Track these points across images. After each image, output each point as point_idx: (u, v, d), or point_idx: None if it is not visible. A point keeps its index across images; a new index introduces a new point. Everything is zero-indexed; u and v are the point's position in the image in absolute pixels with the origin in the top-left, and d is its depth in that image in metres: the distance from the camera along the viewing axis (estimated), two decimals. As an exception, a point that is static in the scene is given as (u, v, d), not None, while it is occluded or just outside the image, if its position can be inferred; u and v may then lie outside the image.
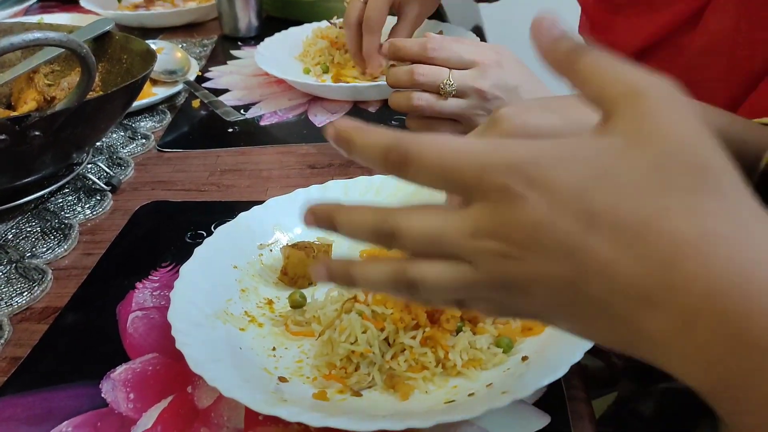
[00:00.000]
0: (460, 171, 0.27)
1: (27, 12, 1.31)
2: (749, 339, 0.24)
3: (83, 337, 0.52)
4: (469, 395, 0.44)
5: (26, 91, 0.77)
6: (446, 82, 0.64)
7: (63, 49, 0.64)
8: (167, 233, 0.65)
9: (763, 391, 0.24)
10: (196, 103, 0.93)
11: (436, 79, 0.65)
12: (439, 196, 0.33)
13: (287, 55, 1.03)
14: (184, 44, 1.17)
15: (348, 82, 0.93)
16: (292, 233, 0.59)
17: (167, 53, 0.99)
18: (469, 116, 0.66)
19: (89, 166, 0.75)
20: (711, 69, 0.68)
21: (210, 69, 1.06)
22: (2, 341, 0.52)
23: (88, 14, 1.22)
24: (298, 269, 0.55)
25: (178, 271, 0.52)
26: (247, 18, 1.18)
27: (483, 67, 0.65)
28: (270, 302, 0.54)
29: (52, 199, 0.70)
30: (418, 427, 0.39)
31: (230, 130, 0.86)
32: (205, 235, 0.60)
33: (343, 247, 0.57)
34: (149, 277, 0.58)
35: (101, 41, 0.80)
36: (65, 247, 0.63)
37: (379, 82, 0.88)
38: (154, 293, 0.56)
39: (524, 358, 0.46)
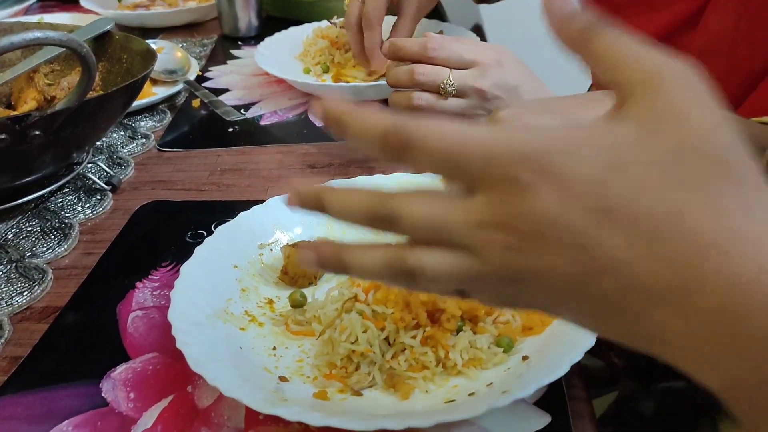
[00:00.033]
0: (467, 158, 0.26)
1: (27, 12, 1.31)
2: None
3: (83, 337, 0.52)
4: (470, 395, 0.44)
5: (26, 90, 0.77)
6: (446, 81, 0.64)
7: (63, 49, 0.64)
8: (167, 233, 0.65)
9: None
10: (196, 103, 0.93)
11: (436, 79, 0.65)
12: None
13: (287, 54, 1.03)
14: (184, 44, 1.17)
15: (348, 82, 0.93)
16: (292, 233, 0.59)
17: (167, 53, 0.99)
18: (470, 116, 0.66)
19: (89, 165, 0.74)
20: (711, 69, 0.68)
21: (210, 69, 1.06)
22: (2, 341, 0.52)
23: (88, 14, 1.22)
24: (298, 269, 0.55)
25: (178, 270, 0.52)
26: (247, 18, 1.18)
27: (483, 66, 0.65)
28: (270, 302, 0.54)
29: (53, 198, 0.70)
30: (419, 426, 0.39)
31: (230, 129, 0.86)
32: (205, 234, 0.60)
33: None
34: (149, 276, 0.58)
35: (101, 41, 0.80)
36: (65, 246, 0.63)
37: (379, 82, 0.88)
38: (154, 293, 0.56)
39: (525, 358, 0.46)
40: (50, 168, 0.66)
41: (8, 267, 0.59)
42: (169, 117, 0.90)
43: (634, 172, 0.24)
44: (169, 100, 0.94)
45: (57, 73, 0.81)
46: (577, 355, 0.42)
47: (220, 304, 0.51)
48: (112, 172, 0.74)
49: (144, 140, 0.83)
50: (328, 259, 0.30)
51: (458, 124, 0.26)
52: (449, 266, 0.27)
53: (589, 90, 0.94)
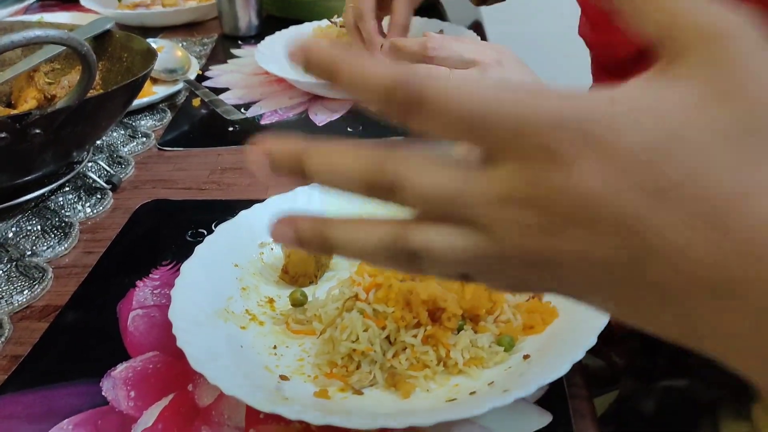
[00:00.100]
0: (493, 121, 0.22)
1: (27, 11, 1.31)
2: None
3: (84, 336, 0.52)
4: (471, 394, 0.44)
5: (27, 89, 0.77)
6: (447, 81, 0.64)
7: (63, 47, 0.64)
8: (168, 232, 0.65)
9: None
10: (196, 102, 0.93)
11: (436, 79, 0.64)
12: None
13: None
14: (185, 43, 1.17)
15: (348, 81, 0.92)
16: (292, 232, 0.59)
17: (167, 52, 0.99)
18: None
19: (90, 164, 0.74)
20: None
21: (210, 68, 1.06)
22: (3, 339, 0.52)
23: (88, 13, 1.22)
24: (299, 268, 0.55)
25: (178, 269, 0.52)
26: (247, 17, 1.18)
27: (483, 66, 0.65)
28: (271, 300, 0.54)
29: (53, 197, 0.70)
30: (420, 425, 0.39)
31: (231, 128, 0.86)
32: (205, 233, 0.60)
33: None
34: (150, 275, 0.58)
35: (101, 40, 0.80)
36: (66, 245, 0.63)
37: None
38: (154, 291, 0.56)
39: (526, 357, 0.46)
40: (50, 167, 0.66)
41: (8, 266, 0.59)
42: (169, 116, 0.90)
43: (694, 143, 0.21)
44: (170, 99, 0.94)
45: (57, 72, 0.81)
46: (578, 354, 0.42)
47: (220, 302, 0.51)
48: (112, 171, 0.74)
49: (144, 139, 0.83)
50: (310, 236, 0.25)
51: (481, 80, 0.22)
52: (460, 247, 0.23)
53: (589, 90, 0.94)
